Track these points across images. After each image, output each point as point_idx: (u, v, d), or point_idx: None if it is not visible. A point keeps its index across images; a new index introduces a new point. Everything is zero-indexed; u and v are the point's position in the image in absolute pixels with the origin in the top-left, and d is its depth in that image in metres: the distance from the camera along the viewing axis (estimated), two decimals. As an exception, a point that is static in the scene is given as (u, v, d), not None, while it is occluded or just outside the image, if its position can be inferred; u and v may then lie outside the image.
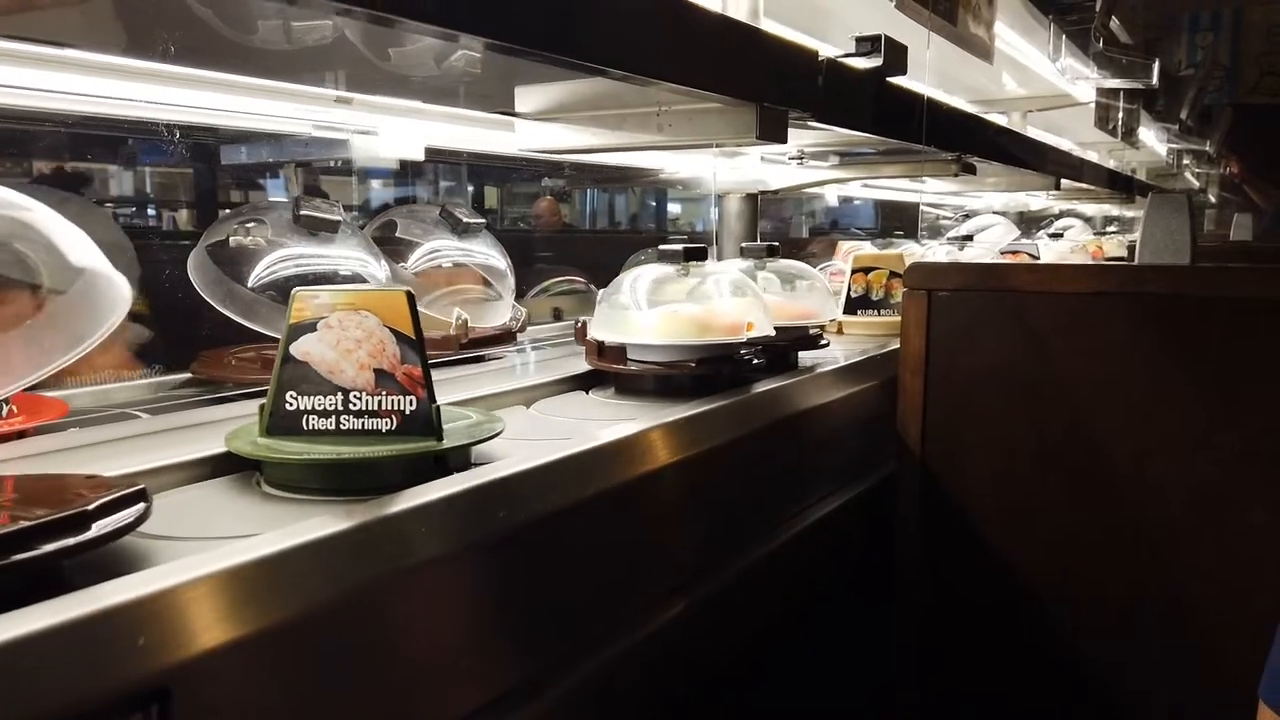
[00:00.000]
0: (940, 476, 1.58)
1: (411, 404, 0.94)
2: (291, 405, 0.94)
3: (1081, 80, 2.62)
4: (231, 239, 1.35)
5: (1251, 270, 1.43)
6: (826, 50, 1.39)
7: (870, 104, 1.51)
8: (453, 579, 0.85)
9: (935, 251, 2.63)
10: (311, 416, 0.94)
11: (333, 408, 0.94)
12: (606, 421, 1.20)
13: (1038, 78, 2.63)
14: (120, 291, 0.72)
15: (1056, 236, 3.29)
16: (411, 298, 0.94)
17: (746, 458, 1.27)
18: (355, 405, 0.94)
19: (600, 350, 1.38)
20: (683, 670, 1.13)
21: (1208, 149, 4.41)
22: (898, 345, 1.70)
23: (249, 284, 1.30)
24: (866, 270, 2.04)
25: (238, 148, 1.69)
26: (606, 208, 9.49)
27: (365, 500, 0.83)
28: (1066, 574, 1.51)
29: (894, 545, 1.62)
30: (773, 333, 1.42)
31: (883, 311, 2.02)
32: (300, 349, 0.94)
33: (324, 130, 1.42)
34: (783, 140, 1.34)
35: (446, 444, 0.93)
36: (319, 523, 0.75)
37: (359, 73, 1.19)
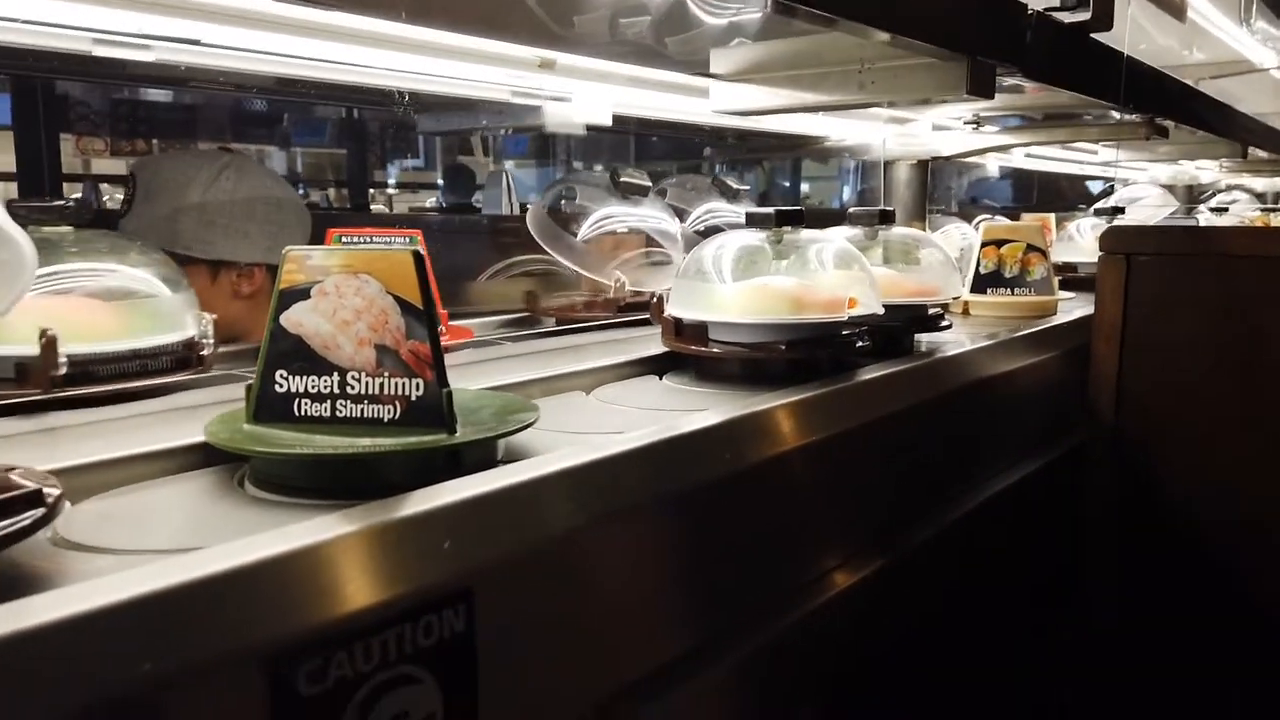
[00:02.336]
0: (1135, 447, 1.53)
1: (418, 388, 0.77)
2: (282, 386, 0.78)
3: (1273, 43, 2.33)
4: (563, 201, 1.66)
5: None
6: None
7: (1074, 61, 1.44)
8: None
9: (1081, 224, 2.35)
10: (304, 400, 0.78)
11: (328, 390, 0.78)
12: (667, 412, 1.01)
13: (1217, 42, 2.36)
14: (25, 254, 0.58)
15: (1220, 210, 2.95)
16: (420, 258, 0.77)
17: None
18: (353, 388, 0.78)
19: (678, 329, 1.20)
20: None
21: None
22: (1033, 329, 1.57)
23: (580, 236, 1.58)
24: (999, 243, 1.79)
25: (433, 115, 1.76)
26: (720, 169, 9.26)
27: (356, 504, 0.67)
28: (1273, 547, 1.46)
29: (1074, 528, 1.57)
30: (881, 311, 1.21)
31: (1017, 290, 1.77)
32: (291, 319, 0.78)
33: (520, 96, 1.46)
34: (990, 96, 1.29)
35: (459, 438, 0.77)
36: (276, 537, 0.59)
37: (567, 33, 1.24)
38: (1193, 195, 3.56)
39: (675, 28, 1.16)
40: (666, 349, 1.22)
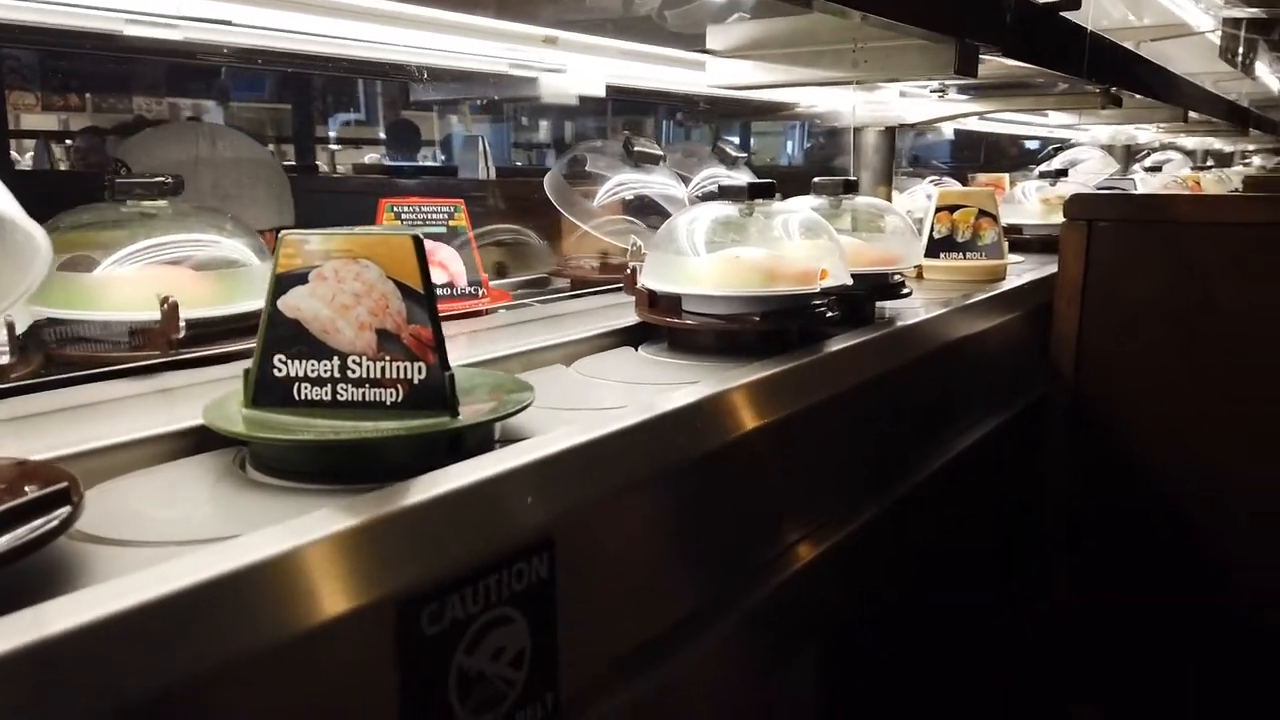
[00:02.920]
0: (1093, 402, 1.61)
1: (420, 372, 0.78)
2: (280, 371, 0.78)
3: (1214, 10, 2.39)
4: (581, 166, 1.69)
5: None
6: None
7: (1046, 39, 1.51)
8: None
9: (1026, 187, 2.40)
10: (304, 384, 0.78)
11: (328, 375, 0.78)
12: (656, 386, 1.03)
13: (1157, 6, 2.42)
14: (39, 244, 0.57)
15: (1155, 170, 3.02)
16: (419, 243, 0.78)
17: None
18: (354, 372, 0.78)
19: (651, 300, 1.21)
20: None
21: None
22: (985, 294, 1.61)
23: (596, 201, 1.62)
24: (952, 209, 1.82)
25: (429, 85, 1.77)
26: (683, 140, 9.22)
27: (364, 490, 0.68)
28: (1221, 495, 1.54)
29: (1036, 474, 1.65)
30: (850, 281, 1.24)
31: (969, 255, 1.81)
32: (289, 304, 0.78)
33: (518, 68, 1.48)
34: (975, 75, 1.35)
35: (463, 421, 0.78)
36: (296, 528, 0.60)
37: (572, 12, 1.31)
38: (1130, 155, 3.65)
39: (676, 3, 1.20)
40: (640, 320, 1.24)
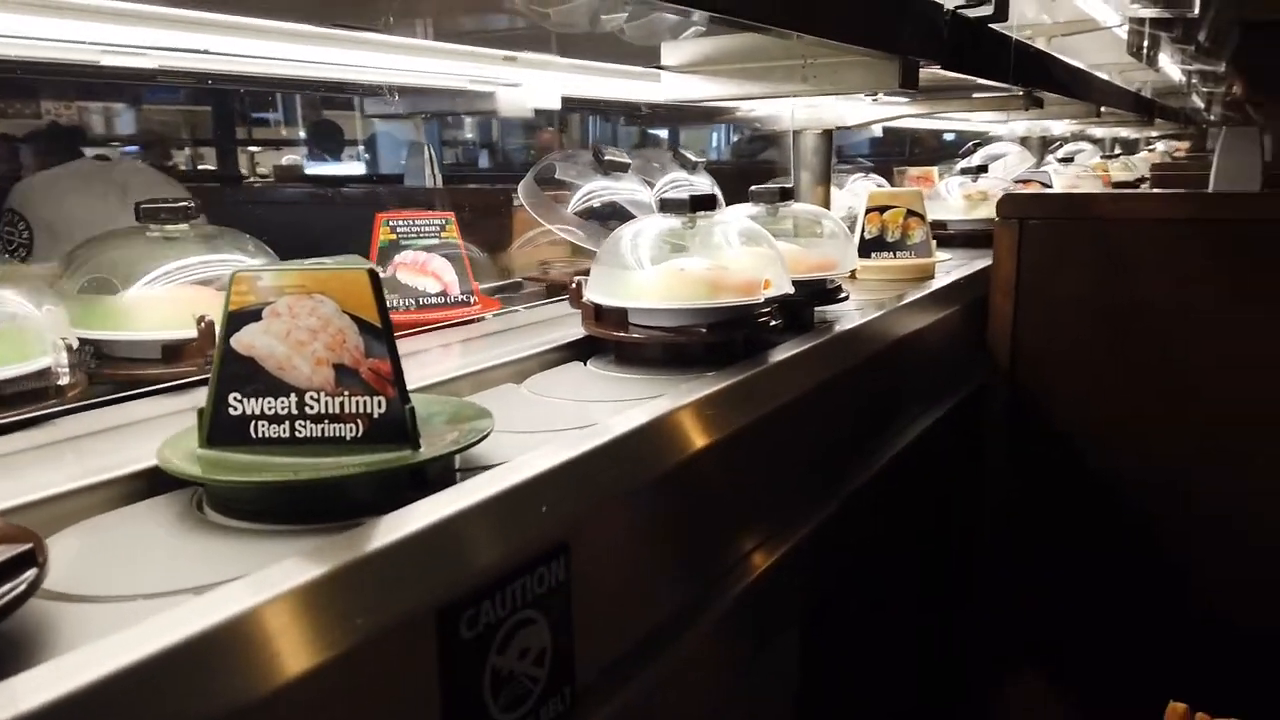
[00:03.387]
0: (1028, 392, 1.68)
1: (380, 405, 0.77)
2: (236, 409, 0.77)
3: (1122, 9, 2.49)
4: (554, 173, 1.74)
5: None
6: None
7: (977, 50, 1.58)
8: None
9: (949, 183, 2.45)
10: (260, 422, 0.77)
11: (286, 411, 0.77)
12: (609, 403, 1.04)
13: (1068, 5, 2.52)
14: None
15: (1067, 161, 3.11)
16: (375, 277, 0.77)
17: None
18: (313, 408, 0.77)
19: (598, 314, 1.21)
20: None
21: (1220, 70, 4.20)
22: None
23: (569, 208, 1.67)
24: (882, 209, 1.86)
25: (382, 98, 1.76)
26: (610, 138, 9.18)
27: (326, 531, 0.67)
28: (1146, 474, 1.62)
29: (978, 461, 1.73)
30: (791, 290, 1.26)
31: (899, 254, 1.85)
32: (243, 342, 0.77)
33: (477, 84, 1.51)
34: (916, 88, 1.41)
35: (425, 454, 0.77)
36: (260, 581, 0.59)
37: (538, 36, 1.38)
38: (1045, 147, 3.75)
39: (633, 18, 1.25)
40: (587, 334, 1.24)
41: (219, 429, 0.77)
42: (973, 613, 1.77)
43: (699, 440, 0.96)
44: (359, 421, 0.77)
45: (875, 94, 1.55)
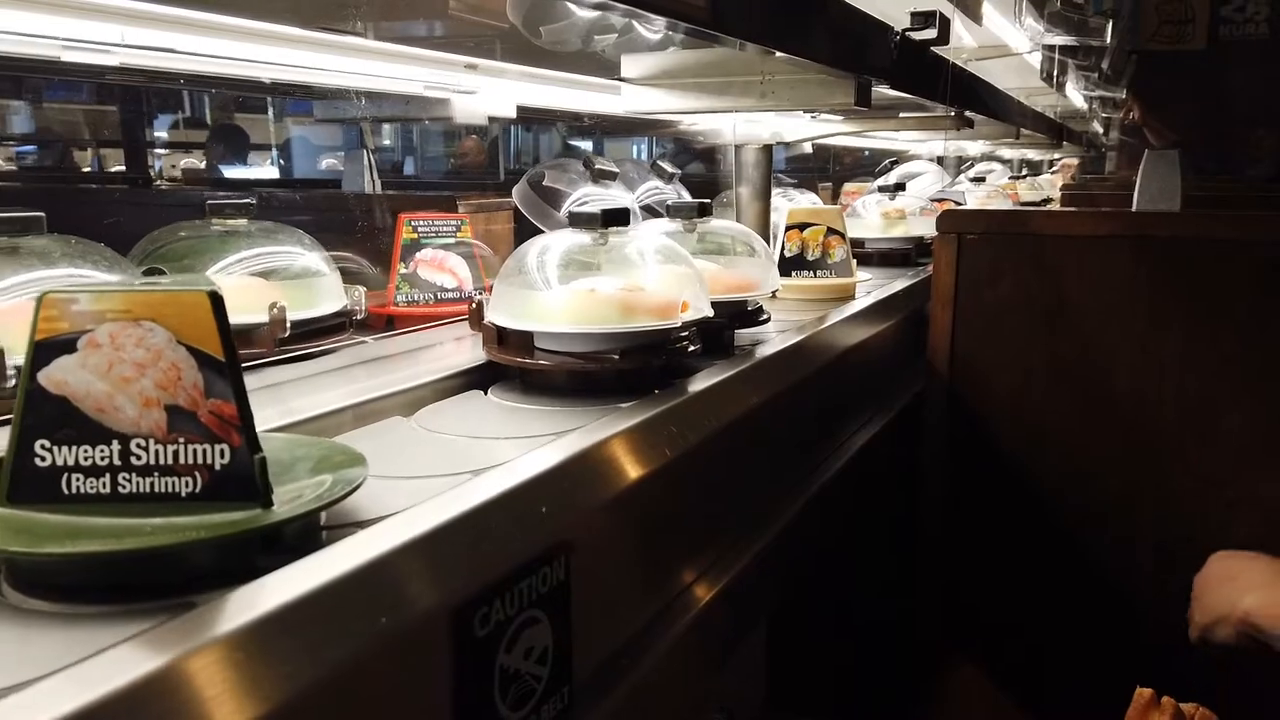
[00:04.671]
0: (964, 398, 1.73)
1: (223, 455, 0.63)
2: (44, 460, 0.62)
3: (1045, 39, 2.50)
4: (545, 180, 1.85)
5: (1232, 216, 1.65)
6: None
7: (920, 71, 1.61)
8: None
9: (866, 201, 2.37)
10: (75, 475, 0.62)
11: (107, 462, 0.62)
12: (513, 440, 0.90)
13: (982, 30, 2.50)
14: None
15: (979, 180, 3.08)
16: (218, 300, 0.62)
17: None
18: (140, 458, 0.62)
19: (500, 338, 1.08)
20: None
21: (1121, 96, 4.27)
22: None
23: (561, 211, 1.75)
24: (802, 227, 1.76)
25: (333, 103, 1.76)
26: (531, 146, 9.00)
27: (156, 613, 0.53)
28: (1074, 475, 1.67)
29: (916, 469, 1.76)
30: (710, 313, 1.14)
31: (819, 273, 1.75)
32: (54, 378, 0.61)
33: (433, 90, 1.49)
34: (869, 106, 1.46)
35: (279, 513, 0.63)
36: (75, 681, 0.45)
37: (504, 45, 1.38)
38: (959, 166, 3.73)
39: (546, 18, 1.26)
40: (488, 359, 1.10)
41: (22, 484, 0.62)
42: (915, 604, 1.81)
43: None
44: (197, 474, 0.62)
45: (821, 111, 1.58)
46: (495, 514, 0.71)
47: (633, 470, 0.86)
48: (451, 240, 1.43)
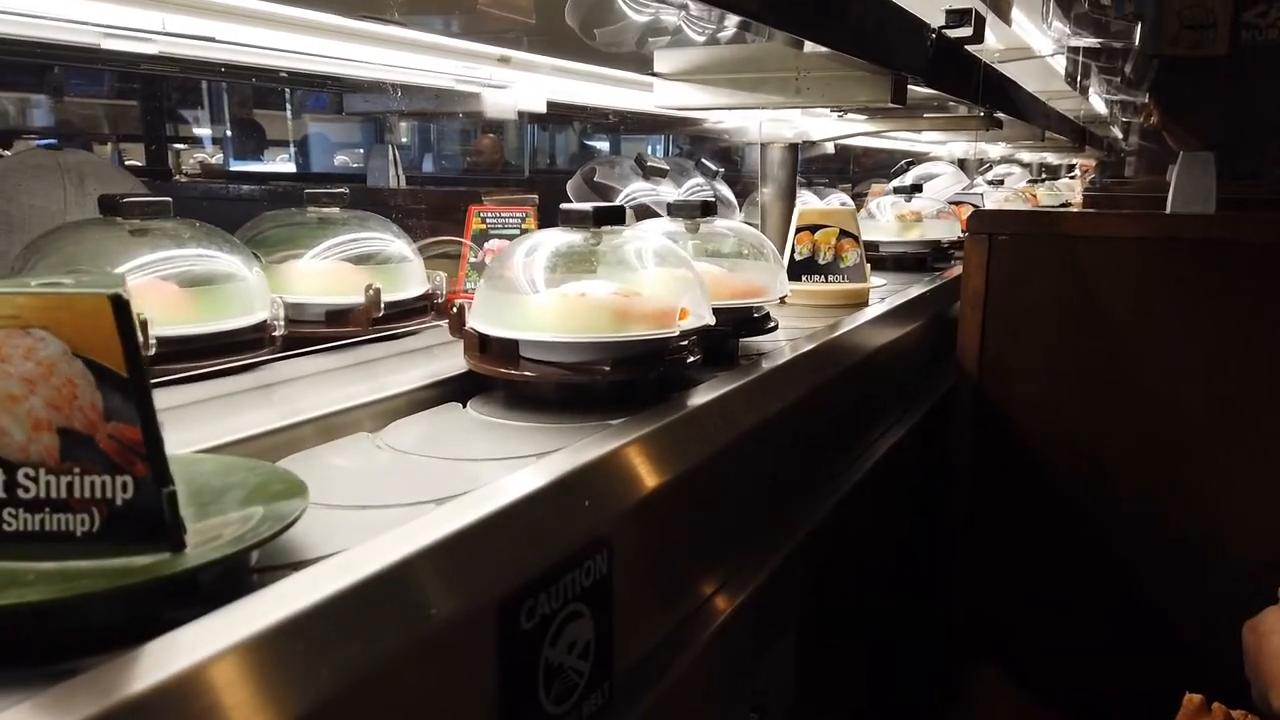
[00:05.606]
0: (992, 398, 1.69)
1: (125, 488, 0.53)
2: (-84, 490, 0.52)
3: (1074, 42, 2.41)
4: (596, 175, 1.95)
5: (1266, 219, 1.59)
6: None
7: (955, 70, 1.56)
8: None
9: (881, 202, 2.25)
10: (-47, 509, 0.52)
11: (-11, 494, 0.52)
12: (489, 461, 0.80)
13: (1006, 32, 2.42)
14: None
15: (997, 183, 2.96)
16: (122, 304, 0.52)
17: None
18: (28, 490, 0.52)
19: (483, 346, 0.98)
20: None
21: (1142, 100, 4.15)
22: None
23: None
24: (813, 229, 1.65)
25: (363, 97, 1.74)
26: (548, 145, 8.91)
27: (44, 679, 0.43)
28: (1100, 476, 1.63)
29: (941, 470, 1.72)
30: (711, 320, 1.03)
31: (830, 278, 1.64)
32: (-72, 394, 0.52)
33: (464, 84, 1.47)
34: (905, 104, 1.43)
35: (190, 558, 0.53)
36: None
37: (533, 40, 1.33)
38: (976, 168, 3.60)
39: (602, 20, 1.24)
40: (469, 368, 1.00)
41: (-110, 517, 0.52)
42: (938, 609, 1.78)
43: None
44: (95, 510, 0.52)
45: (852, 109, 1.56)
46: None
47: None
48: (517, 231, 1.40)
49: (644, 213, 1.68)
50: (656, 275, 1.02)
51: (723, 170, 2.12)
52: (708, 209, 1.24)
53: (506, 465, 0.79)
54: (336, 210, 1.19)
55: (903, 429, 1.56)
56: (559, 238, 1.01)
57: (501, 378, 0.96)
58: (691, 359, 1.00)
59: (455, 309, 1.00)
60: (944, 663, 1.77)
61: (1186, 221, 1.63)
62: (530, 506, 0.67)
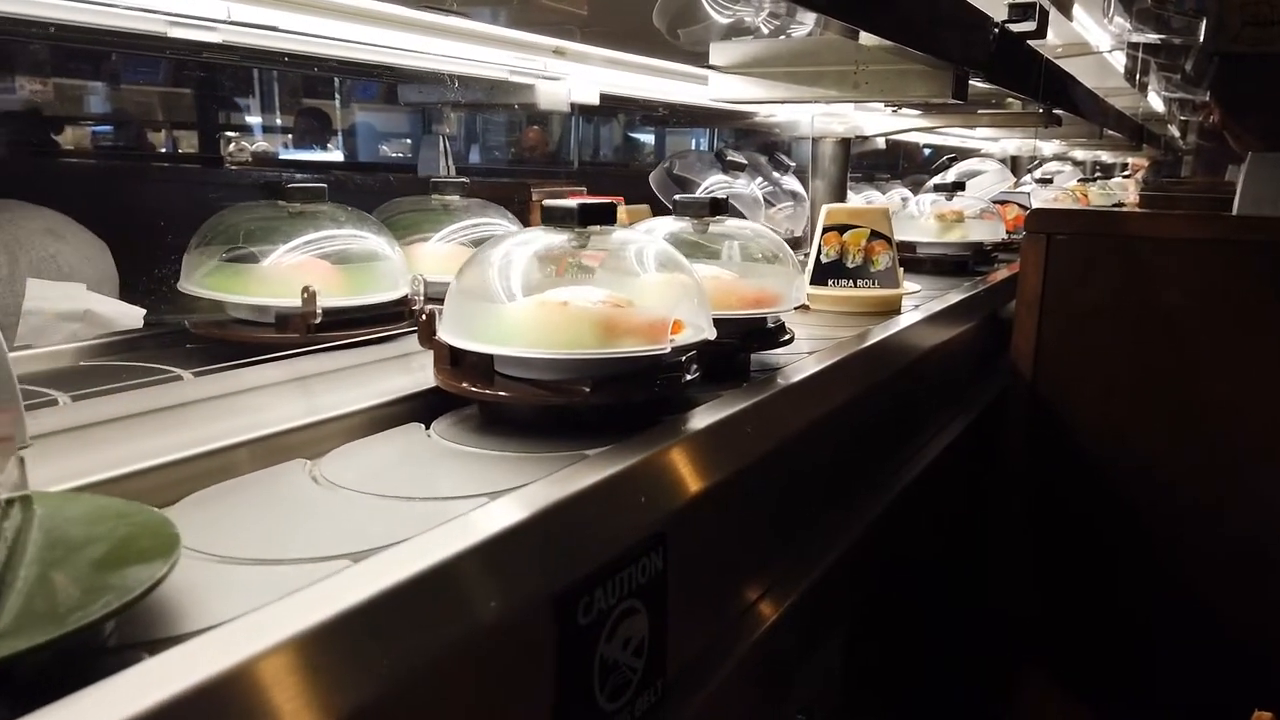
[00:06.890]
0: (1047, 401, 1.64)
1: (-82, 558, 0.41)
2: None
3: (1135, 38, 2.27)
4: (675, 169, 1.97)
5: None
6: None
7: (1016, 65, 1.51)
8: None
9: (920, 200, 2.10)
10: None
11: None
12: (435, 501, 0.68)
13: (1065, 27, 2.25)
14: None
15: (1045, 181, 2.78)
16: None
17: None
18: None
19: (453, 360, 0.86)
20: None
21: (1201, 99, 3.94)
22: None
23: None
24: (841, 229, 1.51)
25: (416, 87, 1.71)
26: (591, 138, 8.83)
27: None
28: (1159, 482, 1.58)
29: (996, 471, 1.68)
30: (712, 335, 0.91)
31: (860, 282, 1.50)
32: None
33: (518, 75, 1.46)
34: (966, 99, 1.40)
35: (8, 644, 0.42)
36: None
37: (585, 32, 1.30)
38: (1025, 166, 3.42)
39: (687, 21, 1.22)
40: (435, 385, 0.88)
41: None
42: (988, 612, 1.74)
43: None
44: (-120, 584, 0.41)
45: (912, 104, 1.52)
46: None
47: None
48: None
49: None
50: (651, 282, 0.90)
51: (794, 165, 2.10)
52: (717, 207, 1.11)
53: (446, 505, 0.67)
54: (457, 198, 1.32)
55: (946, 438, 1.48)
56: (541, 238, 0.89)
57: (468, 397, 0.84)
58: (688, 378, 0.87)
59: (425, 315, 0.88)
60: (993, 666, 1.73)
61: (1257, 224, 1.53)
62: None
